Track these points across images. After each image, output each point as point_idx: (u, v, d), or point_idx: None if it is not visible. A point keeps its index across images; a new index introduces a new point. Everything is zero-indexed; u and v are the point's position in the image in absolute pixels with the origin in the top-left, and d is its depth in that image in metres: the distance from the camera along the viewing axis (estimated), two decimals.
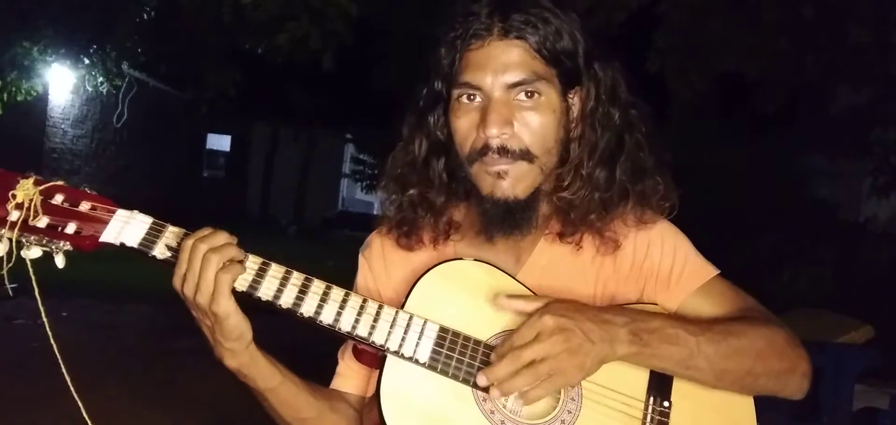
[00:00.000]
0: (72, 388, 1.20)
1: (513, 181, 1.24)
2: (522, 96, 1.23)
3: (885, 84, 6.56)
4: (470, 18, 1.24)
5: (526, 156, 1.23)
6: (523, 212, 1.26)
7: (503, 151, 1.22)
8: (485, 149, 1.23)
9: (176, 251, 1.16)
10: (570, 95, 1.28)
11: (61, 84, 12.51)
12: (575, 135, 1.29)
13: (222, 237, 1.16)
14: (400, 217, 1.35)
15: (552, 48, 1.23)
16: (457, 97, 1.26)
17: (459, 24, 1.25)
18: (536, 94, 1.23)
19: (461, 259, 1.27)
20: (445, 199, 1.34)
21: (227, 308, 1.14)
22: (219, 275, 1.13)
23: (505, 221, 1.26)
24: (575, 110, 1.29)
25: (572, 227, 1.30)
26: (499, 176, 1.23)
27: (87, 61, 11.24)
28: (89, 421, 1.25)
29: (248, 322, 1.18)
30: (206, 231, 1.16)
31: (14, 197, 1.14)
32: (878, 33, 5.98)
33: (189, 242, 1.14)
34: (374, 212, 1.52)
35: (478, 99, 1.24)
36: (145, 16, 10.87)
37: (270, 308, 1.18)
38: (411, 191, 1.33)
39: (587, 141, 1.28)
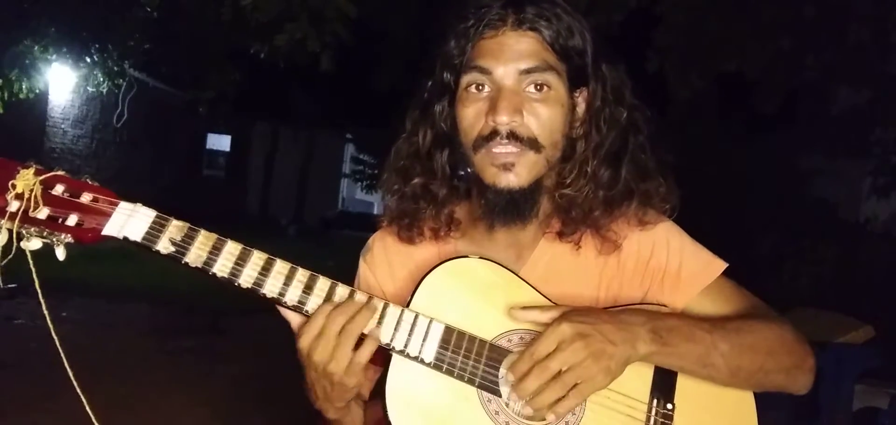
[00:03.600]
0: (73, 381, 1.18)
1: (518, 171, 1.24)
2: (532, 88, 1.23)
3: (885, 84, 6.56)
4: (482, 10, 1.25)
5: (533, 145, 1.24)
6: (525, 201, 1.27)
7: (512, 136, 1.22)
8: (493, 135, 1.23)
9: (180, 245, 1.15)
10: (577, 94, 1.29)
11: (61, 84, 12.50)
12: (580, 134, 1.30)
13: (352, 307, 1.16)
14: (401, 208, 1.35)
15: (564, 43, 1.24)
16: (466, 85, 1.26)
17: (472, 16, 1.26)
18: (546, 87, 1.24)
19: (466, 257, 1.27)
20: (448, 192, 1.34)
21: (360, 380, 1.17)
22: (358, 352, 1.15)
23: (507, 211, 1.26)
24: (580, 109, 1.30)
25: (573, 225, 1.30)
26: (504, 167, 1.24)
27: (88, 60, 11.24)
28: (92, 416, 1.23)
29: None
30: (336, 305, 1.16)
31: (14, 187, 1.11)
32: (878, 33, 5.97)
33: (328, 309, 1.15)
34: (374, 212, 1.53)
35: (487, 89, 1.25)
36: (148, 13, 10.86)
37: (276, 304, 1.18)
38: (414, 182, 1.33)
39: (592, 139, 1.29)
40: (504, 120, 1.21)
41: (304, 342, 1.15)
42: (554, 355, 1.13)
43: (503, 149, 1.23)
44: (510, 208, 1.26)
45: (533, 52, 1.23)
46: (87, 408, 1.21)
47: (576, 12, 1.28)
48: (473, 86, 1.25)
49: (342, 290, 1.20)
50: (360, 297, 1.18)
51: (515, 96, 1.23)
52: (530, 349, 1.15)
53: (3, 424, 4.38)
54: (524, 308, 1.21)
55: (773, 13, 5.84)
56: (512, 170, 1.24)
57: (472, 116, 1.25)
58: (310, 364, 1.16)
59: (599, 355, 1.13)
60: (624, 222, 1.32)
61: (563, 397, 1.13)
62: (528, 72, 1.23)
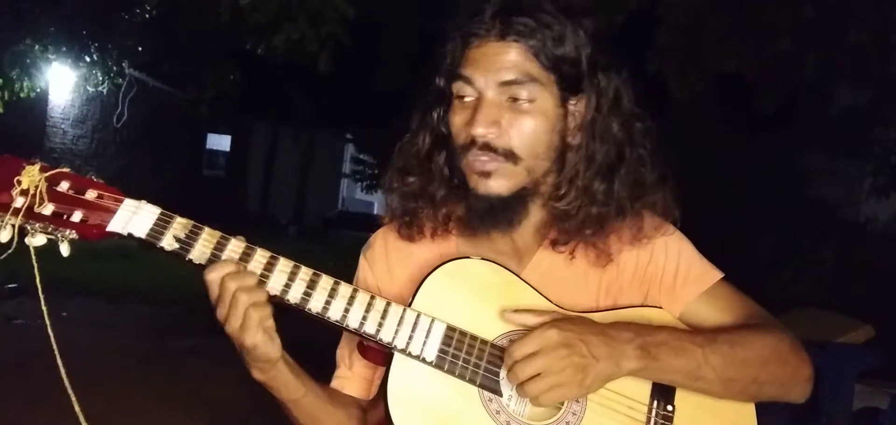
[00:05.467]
0: (66, 382, 1.19)
1: (496, 180, 1.24)
2: (514, 98, 1.23)
3: (885, 84, 6.56)
4: (472, 18, 1.25)
5: (510, 156, 1.23)
6: (505, 211, 1.27)
7: (486, 148, 1.23)
8: (470, 145, 1.24)
9: (184, 242, 1.16)
10: (573, 103, 1.27)
11: (61, 84, 12.51)
12: (574, 144, 1.28)
13: (251, 278, 1.16)
14: (402, 206, 1.36)
15: (551, 53, 1.22)
16: (455, 93, 1.27)
17: (464, 23, 1.26)
18: (528, 97, 1.23)
19: (468, 257, 1.27)
20: (446, 193, 1.34)
21: (254, 340, 1.15)
22: (248, 312, 1.13)
23: (487, 217, 1.27)
24: (577, 118, 1.28)
25: (566, 236, 1.29)
26: (483, 175, 1.25)
27: (88, 60, 11.25)
28: (82, 419, 1.24)
29: (277, 344, 1.18)
30: (231, 265, 1.16)
31: (19, 183, 1.12)
32: (878, 33, 5.97)
33: (216, 277, 1.14)
34: (374, 212, 1.52)
35: (471, 98, 1.25)
36: (147, 15, 10.88)
37: (278, 302, 1.19)
38: (412, 181, 1.34)
39: (585, 151, 1.27)
40: (479, 132, 1.22)
41: (217, 314, 1.16)
42: (532, 358, 1.14)
43: (479, 158, 1.24)
44: (489, 215, 1.26)
45: (514, 63, 1.22)
46: (77, 408, 1.21)
47: (575, 16, 1.25)
48: (460, 94, 1.26)
49: (344, 289, 1.20)
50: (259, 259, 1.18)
51: (494, 108, 1.23)
52: (511, 347, 1.16)
53: (2, 424, 4.38)
54: (516, 311, 1.22)
55: (772, 13, 5.84)
56: (490, 177, 1.24)
57: (458, 125, 1.26)
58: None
59: (578, 367, 1.14)
60: (617, 237, 1.30)
61: (533, 397, 1.14)
62: (507, 84, 1.22)
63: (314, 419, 1.31)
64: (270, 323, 1.16)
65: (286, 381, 1.24)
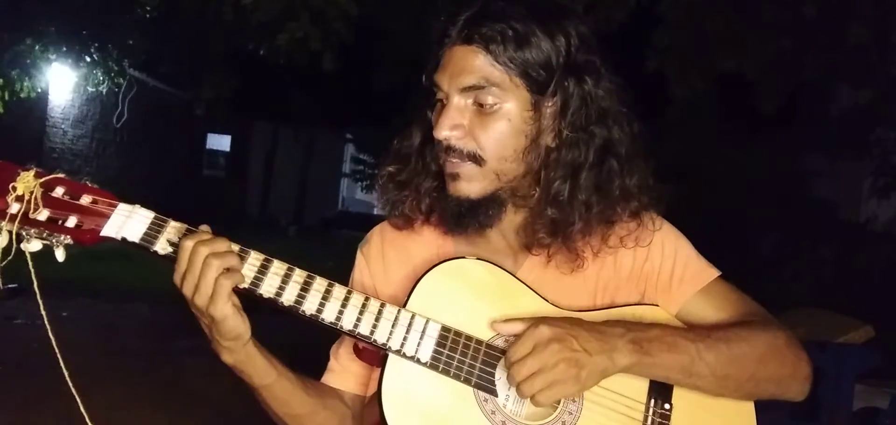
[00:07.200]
0: (69, 383, 1.19)
1: (465, 182, 1.25)
2: (477, 102, 1.23)
3: (885, 84, 6.56)
4: (444, 21, 1.26)
5: (473, 158, 1.24)
6: (474, 213, 1.26)
7: (450, 150, 1.24)
8: (442, 147, 1.26)
9: (177, 247, 1.16)
10: (546, 104, 1.25)
11: (61, 84, 12.51)
12: (549, 146, 1.26)
13: (223, 244, 1.16)
14: (389, 197, 1.36)
15: (516, 58, 1.21)
16: (436, 94, 1.28)
17: (442, 25, 1.26)
18: (491, 101, 1.22)
19: (463, 257, 1.27)
20: (432, 185, 1.34)
21: (224, 311, 1.14)
22: (219, 280, 1.12)
23: (461, 218, 1.27)
24: (549, 121, 1.26)
25: (531, 239, 1.29)
26: (453, 177, 1.26)
27: (88, 60, 11.25)
28: (87, 419, 1.24)
29: (247, 322, 1.17)
30: (206, 234, 1.16)
31: (14, 189, 1.13)
32: (878, 33, 5.97)
33: (189, 244, 1.14)
34: (375, 212, 1.53)
35: (442, 101, 1.26)
36: (147, 15, 10.88)
37: (272, 305, 1.18)
38: (401, 171, 1.35)
39: (553, 156, 1.26)
40: (442, 134, 1.23)
41: (175, 278, 1.15)
42: (527, 358, 1.14)
43: (449, 160, 1.25)
44: (460, 217, 1.27)
45: (475, 69, 1.22)
46: (83, 411, 1.21)
47: (551, 19, 1.24)
48: (438, 96, 1.27)
49: (338, 291, 1.20)
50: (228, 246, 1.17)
51: (456, 112, 1.24)
52: (508, 350, 1.16)
53: (2, 424, 4.39)
54: (506, 320, 1.21)
55: (773, 13, 5.84)
56: (459, 180, 1.25)
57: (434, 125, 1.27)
58: (188, 301, 1.16)
59: (571, 361, 1.14)
60: (587, 240, 1.28)
61: (532, 395, 1.14)
62: (470, 89, 1.23)
63: (287, 404, 1.30)
64: (236, 300, 1.16)
65: (257, 365, 1.24)
